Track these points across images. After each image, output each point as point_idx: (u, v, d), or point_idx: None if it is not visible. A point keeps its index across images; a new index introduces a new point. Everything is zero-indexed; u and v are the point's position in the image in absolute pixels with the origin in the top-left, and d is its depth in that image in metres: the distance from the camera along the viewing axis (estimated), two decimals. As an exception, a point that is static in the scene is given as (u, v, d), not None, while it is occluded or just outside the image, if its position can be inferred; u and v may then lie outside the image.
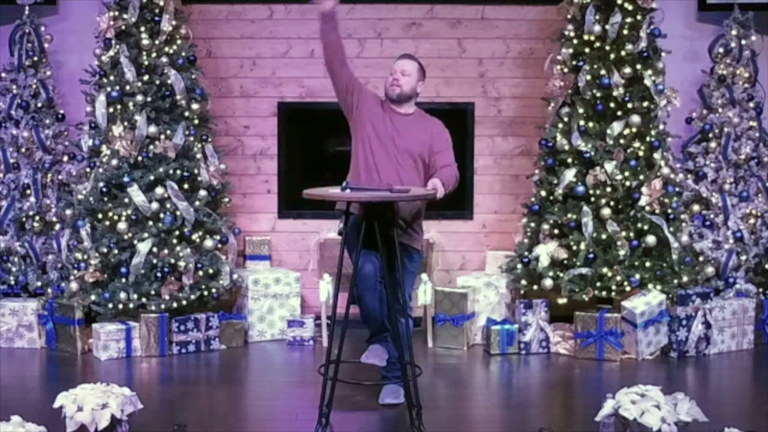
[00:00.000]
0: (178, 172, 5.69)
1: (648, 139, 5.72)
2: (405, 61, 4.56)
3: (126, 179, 5.58)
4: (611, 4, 5.71)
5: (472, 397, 4.96)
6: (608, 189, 5.67)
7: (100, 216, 5.65)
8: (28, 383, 5.11)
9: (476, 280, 5.96)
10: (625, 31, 5.69)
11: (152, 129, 5.63)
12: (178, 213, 5.65)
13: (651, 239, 5.61)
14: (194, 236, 5.72)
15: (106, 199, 5.62)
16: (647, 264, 5.64)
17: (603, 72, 5.71)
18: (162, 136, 5.68)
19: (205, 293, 5.70)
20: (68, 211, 5.78)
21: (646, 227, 5.65)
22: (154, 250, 5.56)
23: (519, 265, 5.84)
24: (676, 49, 6.06)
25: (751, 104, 6.14)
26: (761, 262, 6.04)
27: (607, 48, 5.73)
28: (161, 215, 5.60)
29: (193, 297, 5.63)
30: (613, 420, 3.88)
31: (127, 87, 5.67)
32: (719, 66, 6.13)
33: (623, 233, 5.62)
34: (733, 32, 6.09)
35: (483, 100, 6.45)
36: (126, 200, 5.60)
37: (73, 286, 5.59)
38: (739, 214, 6.00)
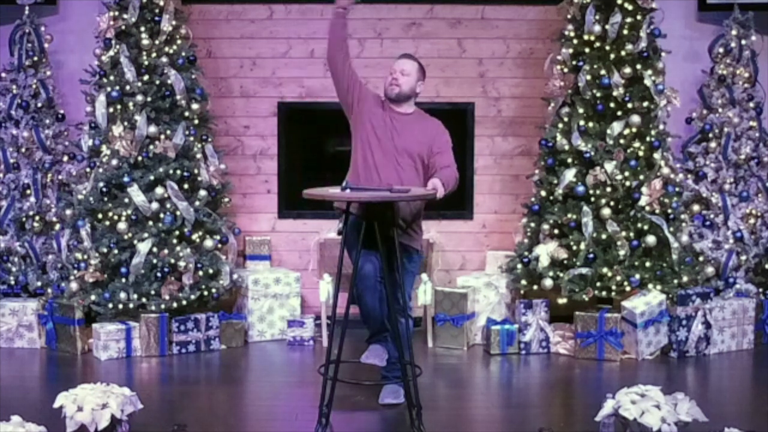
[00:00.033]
0: (178, 172, 5.69)
1: (648, 139, 5.72)
2: (405, 60, 4.56)
3: (126, 179, 5.58)
4: (611, 4, 5.71)
5: (472, 397, 4.96)
6: (608, 189, 5.67)
7: (100, 216, 5.65)
8: (28, 383, 5.11)
9: (476, 280, 5.96)
10: (625, 31, 5.69)
11: (152, 129, 5.63)
12: (178, 213, 5.65)
13: (651, 239, 5.61)
14: (194, 236, 5.72)
15: (106, 199, 5.62)
16: (647, 264, 5.64)
17: (603, 72, 5.71)
18: (162, 136, 5.68)
19: (205, 293, 5.70)
20: (68, 211, 5.78)
21: (646, 227, 5.65)
22: (154, 250, 5.56)
23: (519, 265, 5.84)
24: (676, 49, 6.06)
25: (751, 104, 6.14)
26: (761, 262, 6.04)
27: (607, 48, 5.73)
28: (161, 215, 5.60)
29: (193, 297, 5.63)
30: (613, 420, 3.88)
31: (127, 87, 5.67)
32: (719, 66, 6.13)
33: (623, 233, 5.62)
34: (733, 32, 6.09)
35: (483, 100, 6.45)
36: (126, 200, 5.60)
37: (73, 286, 5.59)
38: (739, 214, 6.00)
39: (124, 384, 4.09)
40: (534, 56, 6.38)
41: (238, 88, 6.45)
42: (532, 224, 5.90)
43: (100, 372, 5.22)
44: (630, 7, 5.68)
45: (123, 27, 5.69)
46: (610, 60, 5.72)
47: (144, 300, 5.54)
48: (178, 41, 5.83)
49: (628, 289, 5.58)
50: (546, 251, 5.72)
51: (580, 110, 5.78)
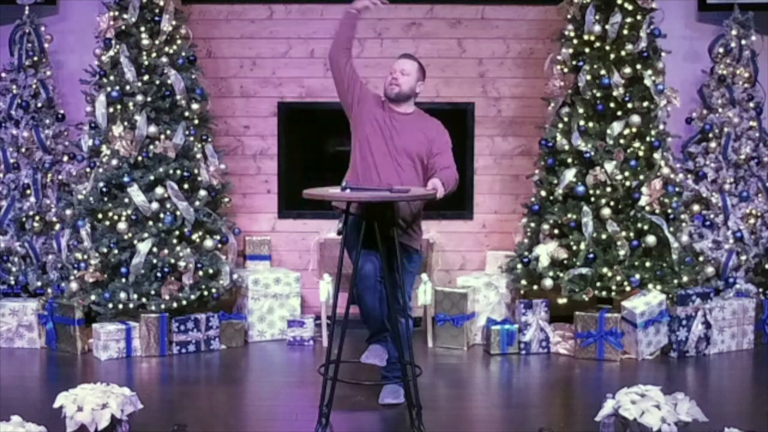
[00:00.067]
0: (178, 172, 5.69)
1: (648, 139, 5.72)
2: (404, 60, 4.56)
3: (126, 179, 5.58)
4: (611, 4, 5.71)
5: (472, 397, 4.96)
6: (608, 189, 5.67)
7: (100, 216, 5.65)
8: (28, 383, 5.11)
9: (476, 280, 5.96)
10: (625, 31, 5.69)
11: (152, 129, 5.63)
12: (178, 213, 5.65)
13: (651, 239, 5.61)
14: (194, 236, 5.72)
15: (106, 199, 5.62)
16: (647, 264, 5.64)
17: (603, 72, 5.71)
18: (162, 136, 5.68)
19: (205, 293, 5.70)
20: (68, 211, 5.78)
21: (646, 227, 5.65)
22: (154, 250, 5.56)
23: (519, 265, 5.84)
24: (676, 49, 6.06)
25: (751, 104, 6.14)
26: (761, 262, 6.04)
27: (607, 48, 5.72)
28: (161, 215, 5.60)
29: (193, 297, 5.63)
30: (613, 420, 3.88)
31: (127, 87, 5.67)
32: (719, 66, 6.13)
33: (623, 233, 5.62)
34: (733, 32, 6.09)
35: (483, 100, 6.45)
36: (126, 200, 5.60)
37: (73, 286, 5.59)
38: (739, 214, 6.00)
39: (124, 384, 4.09)
40: (534, 56, 6.38)
41: (238, 88, 6.45)
42: (532, 224, 5.90)
43: (100, 372, 5.22)
44: (630, 7, 5.68)
45: (123, 27, 5.69)
46: (610, 60, 5.72)
47: (144, 300, 5.54)
48: (178, 41, 5.83)
49: (628, 289, 5.58)
50: (546, 251, 5.72)
51: (580, 110, 5.78)
